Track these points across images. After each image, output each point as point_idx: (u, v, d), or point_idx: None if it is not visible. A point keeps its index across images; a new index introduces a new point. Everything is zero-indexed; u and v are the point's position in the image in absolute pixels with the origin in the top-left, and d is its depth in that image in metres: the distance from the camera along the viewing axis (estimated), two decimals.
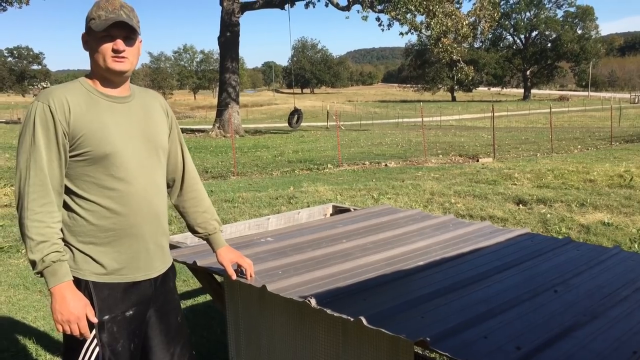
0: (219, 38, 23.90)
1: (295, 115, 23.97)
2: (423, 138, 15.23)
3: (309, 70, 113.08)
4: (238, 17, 23.82)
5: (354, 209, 3.78)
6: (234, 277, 2.22)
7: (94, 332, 1.76)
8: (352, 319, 1.90)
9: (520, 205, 8.08)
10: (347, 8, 24.05)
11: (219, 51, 24.98)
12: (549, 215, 7.30)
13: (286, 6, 24.01)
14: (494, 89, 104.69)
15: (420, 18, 22.22)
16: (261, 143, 20.43)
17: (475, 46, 70.41)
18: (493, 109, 17.26)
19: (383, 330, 1.82)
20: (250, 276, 2.25)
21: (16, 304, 4.44)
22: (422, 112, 16.05)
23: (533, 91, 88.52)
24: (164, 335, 1.96)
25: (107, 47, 1.74)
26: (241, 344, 2.57)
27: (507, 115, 43.88)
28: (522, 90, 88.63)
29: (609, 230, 6.54)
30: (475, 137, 20.94)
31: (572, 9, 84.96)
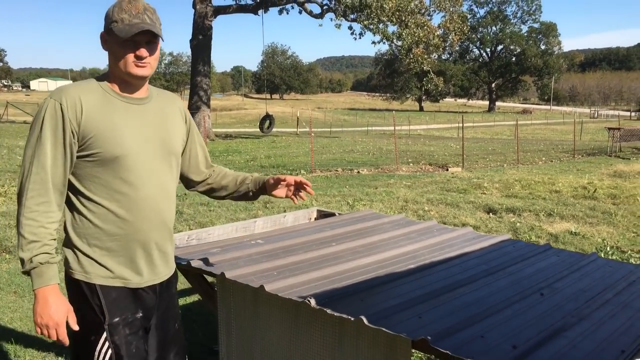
0: (191, 41, 23.73)
1: (267, 121, 23.95)
2: (395, 146, 15.43)
3: (278, 76, 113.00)
4: (211, 21, 23.71)
5: (339, 214, 3.84)
6: (296, 201, 2.17)
7: (104, 334, 1.73)
8: (352, 319, 1.96)
9: (491, 214, 8.28)
10: (320, 16, 24.23)
11: (188, 53, 24.81)
12: (518, 224, 7.51)
13: (260, 12, 24.04)
14: (460, 100, 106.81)
15: (392, 28, 22.59)
16: (233, 147, 20.33)
17: (443, 58, 71.69)
18: (463, 119, 17.63)
19: (383, 329, 1.88)
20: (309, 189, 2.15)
21: None
22: (394, 121, 16.25)
23: (498, 103, 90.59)
24: (160, 340, 1.93)
25: (129, 53, 1.70)
26: (232, 346, 2.59)
27: (473, 126, 44.76)
28: (487, 102, 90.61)
29: (576, 240, 6.77)
30: (444, 147, 21.33)
31: (536, 25, 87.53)
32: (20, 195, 1.66)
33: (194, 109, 23.85)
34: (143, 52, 1.71)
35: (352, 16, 23.31)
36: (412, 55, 21.76)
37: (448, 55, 73.00)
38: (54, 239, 1.68)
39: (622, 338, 1.88)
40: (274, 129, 25.74)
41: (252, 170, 13.94)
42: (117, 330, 1.74)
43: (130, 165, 1.72)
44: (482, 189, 10.64)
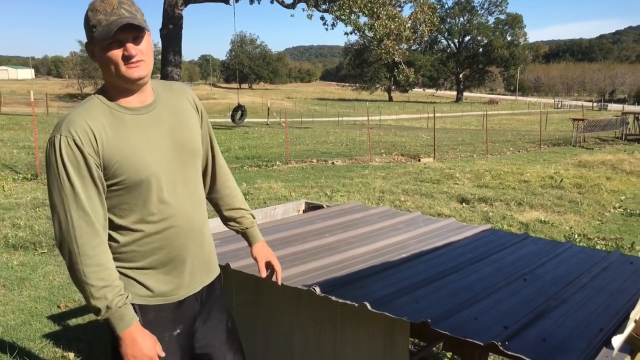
0: (161, 30, 23.39)
1: (239, 111, 23.85)
2: (368, 137, 15.64)
3: (247, 65, 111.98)
4: (181, 10, 23.41)
5: (327, 206, 3.98)
6: (264, 274, 2.10)
7: None
8: (356, 305, 2.11)
9: (464, 203, 8.56)
10: (292, 6, 24.16)
11: (159, 43, 24.48)
12: (490, 213, 7.80)
13: (231, 1, 23.84)
14: (428, 91, 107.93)
15: (364, 19, 22.73)
16: None
17: (412, 48, 72.30)
18: (434, 111, 17.94)
19: (386, 313, 2.04)
20: (279, 279, 2.13)
21: None
22: (368, 112, 16.44)
23: (465, 94, 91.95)
24: (219, 342, 1.89)
25: (116, 55, 1.54)
26: None
27: (441, 116, 45.41)
28: (455, 93, 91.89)
29: (545, 228, 7.08)
30: (415, 138, 21.66)
31: (502, 16, 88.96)
32: (69, 247, 1.54)
33: None
34: (131, 49, 1.54)
35: (324, 7, 23.34)
36: (383, 47, 21.97)
37: (417, 46, 73.58)
38: (119, 277, 1.61)
39: (599, 318, 2.08)
40: (245, 119, 25.66)
41: (227, 162, 13.91)
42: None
43: (157, 184, 1.62)
44: (454, 179, 10.94)
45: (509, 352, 1.76)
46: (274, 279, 2.13)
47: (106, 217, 1.60)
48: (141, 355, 1.58)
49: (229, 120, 26.40)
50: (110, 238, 1.63)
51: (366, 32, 22.97)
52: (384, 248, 2.95)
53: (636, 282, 2.51)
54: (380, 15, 20.87)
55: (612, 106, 62.68)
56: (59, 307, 4.14)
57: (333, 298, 2.18)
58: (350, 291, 2.30)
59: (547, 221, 7.45)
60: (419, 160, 14.53)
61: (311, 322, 2.41)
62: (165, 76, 23.52)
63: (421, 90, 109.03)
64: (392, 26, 20.61)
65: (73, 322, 3.88)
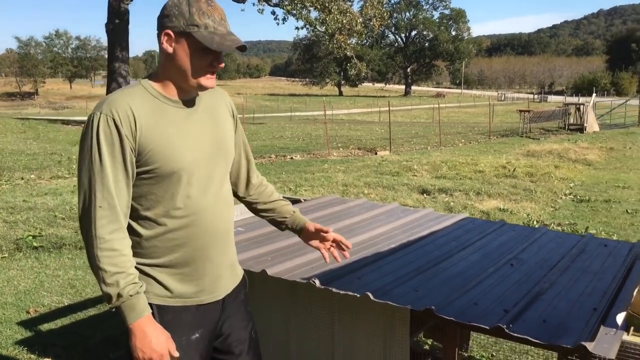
0: (106, 25, 22.69)
1: None
2: (325, 132, 15.71)
3: None
4: (127, 4, 22.77)
5: (304, 200, 3.98)
6: (328, 260, 2.03)
7: None
8: (358, 295, 2.13)
9: (425, 194, 8.73)
10: (242, 0, 23.93)
11: (97, 37, 23.75)
12: (452, 203, 7.99)
13: None
14: (378, 85, 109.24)
15: (315, 14, 22.76)
16: None
17: (361, 43, 72.95)
18: (389, 104, 18.17)
19: (390, 302, 2.07)
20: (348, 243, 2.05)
21: None
22: (325, 108, 16.49)
23: (413, 87, 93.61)
24: (240, 350, 1.81)
25: (204, 63, 1.55)
26: None
27: (392, 110, 46.08)
28: (403, 87, 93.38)
29: (505, 215, 7.32)
30: (369, 131, 21.91)
31: (446, 11, 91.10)
32: (87, 227, 1.50)
33: None
34: (220, 63, 1.58)
35: (274, 1, 23.23)
36: (335, 41, 22.08)
37: (365, 41, 74.38)
38: (134, 266, 1.54)
39: (590, 298, 2.17)
40: None
41: None
42: (171, 355, 1.59)
43: (188, 178, 1.58)
44: (412, 171, 11.14)
45: (515, 334, 1.81)
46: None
47: (129, 205, 1.56)
48: (150, 350, 1.50)
49: None
50: (132, 230, 1.58)
51: (317, 26, 23.00)
52: (371, 239, 2.98)
53: (614, 263, 2.64)
54: (332, 10, 20.95)
55: (552, 98, 65.22)
56: (28, 312, 3.97)
57: (334, 290, 2.19)
58: (348, 282, 2.31)
59: (505, 209, 7.71)
60: (376, 154, 14.71)
61: (308, 313, 2.42)
62: (112, 73, 22.85)
63: (370, 84, 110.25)
64: (344, 21, 20.72)
65: (45, 327, 3.73)
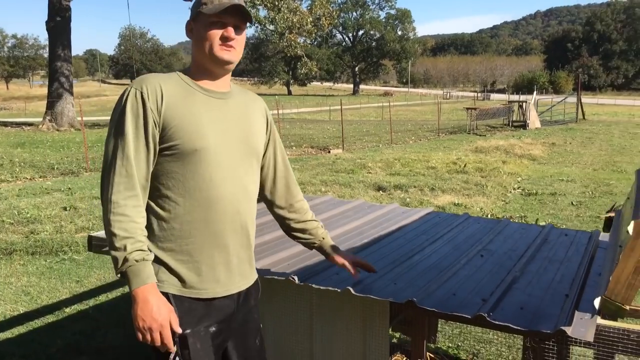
0: (47, 22, 21.81)
1: None
2: (279, 130, 15.61)
3: (138, 60, 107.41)
4: (69, 1, 21.97)
5: None
6: (358, 276, 2.14)
7: (175, 348, 1.57)
8: (339, 290, 2.13)
9: (381, 191, 8.85)
10: None
11: (34, 36, 22.86)
12: (408, 199, 8.13)
13: None
14: (326, 84, 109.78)
15: (264, 12, 22.63)
16: (105, 137, 19.20)
17: (308, 42, 73.14)
18: (341, 103, 18.29)
19: (371, 296, 2.08)
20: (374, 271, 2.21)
21: None
22: (278, 106, 16.42)
23: (361, 86, 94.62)
24: (240, 356, 1.81)
25: (216, 34, 1.61)
26: None
27: (342, 109, 46.38)
28: (352, 86, 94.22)
29: (460, 210, 7.51)
30: (321, 130, 21.98)
31: (392, 11, 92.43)
32: (105, 191, 1.54)
33: (54, 96, 22.07)
34: (231, 31, 1.62)
35: None
36: (285, 40, 22.03)
37: (313, 40, 74.60)
38: (146, 235, 1.56)
39: (560, 285, 2.26)
40: None
41: None
42: (188, 343, 1.59)
43: (210, 160, 1.60)
44: (367, 168, 11.26)
45: (497, 322, 1.86)
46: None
47: (148, 178, 1.58)
48: (150, 319, 1.48)
49: None
50: (152, 210, 1.61)
51: (267, 25, 22.88)
52: (343, 235, 2.99)
53: (577, 251, 2.75)
54: (282, 9, 20.89)
55: (495, 96, 67.42)
56: None
57: (314, 286, 2.18)
58: (327, 278, 2.31)
59: (460, 204, 7.90)
60: (329, 152, 14.78)
61: (284, 308, 2.40)
62: (54, 72, 22.00)
63: (319, 83, 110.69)
64: (294, 19, 20.70)
65: (1, 336, 3.55)
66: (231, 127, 1.68)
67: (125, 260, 1.48)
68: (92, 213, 7.08)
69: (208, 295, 1.65)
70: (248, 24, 1.74)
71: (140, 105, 1.55)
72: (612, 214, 4.80)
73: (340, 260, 2.09)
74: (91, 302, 4.22)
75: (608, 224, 4.02)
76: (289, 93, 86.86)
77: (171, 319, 1.53)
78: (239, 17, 1.64)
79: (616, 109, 41.61)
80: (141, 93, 1.56)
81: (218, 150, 1.62)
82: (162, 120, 1.56)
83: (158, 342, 1.50)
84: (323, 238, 2.08)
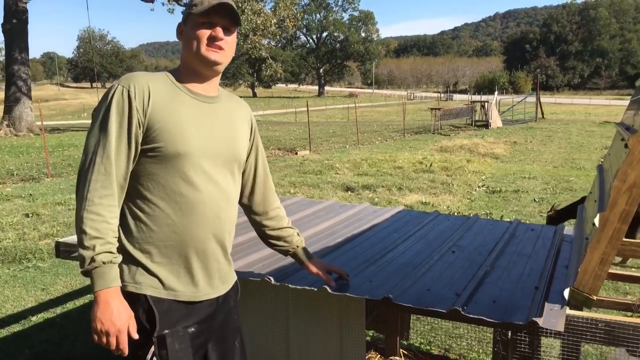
0: (3, 25, 21.16)
1: None
2: None
3: (98, 63, 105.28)
4: (25, 3, 21.37)
5: None
6: (332, 284, 2.13)
7: (152, 349, 1.57)
8: (316, 289, 2.14)
9: (350, 191, 8.90)
10: (151, 0, 23.18)
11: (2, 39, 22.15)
12: (376, 199, 8.20)
13: None
14: (291, 86, 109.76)
15: None
16: (66, 142, 18.73)
17: (272, 44, 72.99)
18: (307, 104, 18.30)
19: (348, 294, 2.10)
20: (347, 276, 2.24)
21: None
22: None
23: (326, 88, 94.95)
24: (220, 358, 1.80)
25: (204, 33, 1.60)
26: None
27: (308, 110, 46.43)
28: (317, 87, 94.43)
29: (427, 208, 7.62)
30: (287, 132, 21.97)
31: (356, 13, 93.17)
32: (81, 188, 1.51)
33: (12, 100, 21.43)
34: (219, 31, 1.60)
35: (185, 1, 22.67)
36: (250, 42, 21.93)
37: (277, 42, 74.49)
38: (116, 237, 1.53)
39: (530, 278, 2.32)
40: None
41: None
42: (166, 344, 1.58)
43: (193, 165, 1.58)
44: (335, 169, 11.30)
45: (471, 316, 1.90)
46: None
47: (127, 178, 1.56)
48: (109, 322, 1.46)
49: (88, 121, 24.69)
50: (132, 212, 1.58)
51: None
52: (315, 235, 3.01)
53: (544, 245, 2.83)
54: (245, 10, 20.79)
55: (457, 96, 68.67)
56: None
57: (290, 286, 2.19)
58: (302, 277, 2.31)
59: (427, 202, 8.02)
60: (297, 154, 14.78)
61: (260, 309, 2.40)
62: (11, 75, 21.36)
63: (284, 85, 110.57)
64: (258, 21, 20.63)
65: None
66: (216, 132, 1.66)
67: (93, 260, 1.46)
68: (55, 219, 6.90)
69: (187, 299, 1.64)
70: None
71: (126, 104, 1.52)
72: (552, 213, 5.33)
73: (314, 269, 2.12)
74: (58, 310, 4.12)
75: (550, 222, 4.48)
76: (254, 95, 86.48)
77: (130, 325, 1.51)
78: (227, 18, 1.63)
79: (573, 108, 42.92)
80: (128, 91, 1.53)
81: (201, 155, 1.60)
82: (147, 120, 1.54)
83: (113, 347, 1.49)
84: (297, 246, 2.09)
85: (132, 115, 1.52)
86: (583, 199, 5.75)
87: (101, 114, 1.54)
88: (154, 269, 1.59)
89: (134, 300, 1.56)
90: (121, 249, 1.57)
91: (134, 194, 1.58)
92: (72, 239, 3.13)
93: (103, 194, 1.50)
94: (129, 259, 1.58)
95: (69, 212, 7.31)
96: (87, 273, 1.48)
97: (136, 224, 1.58)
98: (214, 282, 1.71)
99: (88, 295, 4.36)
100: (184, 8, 1.67)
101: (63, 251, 2.85)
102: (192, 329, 1.65)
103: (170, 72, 1.68)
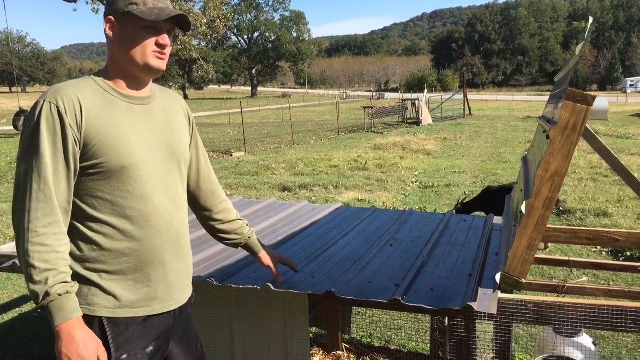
0: None
1: (21, 117, 21.25)
2: None
3: (17, 66, 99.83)
4: None
5: None
6: (281, 278, 2.13)
7: None
8: (259, 287, 2.15)
9: (287, 191, 8.93)
10: (74, 0, 22.23)
11: None
12: (314, 198, 8.27)
13: None
14: (224, 87, 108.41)
15: None
16: None
17: (203, 45, 71.80)
18: (241, 106, 18.15)
19: (292, 290, 2.13)
20: (296, 269, 2.24)
21: None
22: None
23: (259, 89, 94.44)
24: None
25: (151, 41, 1.50)
26: None
27: (241, 112, 45.97)
28: (249, 88, 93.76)
29: (364, 205, 7.74)
30: (221, 133, 21.71)
31: (287, 13, 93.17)
32: (20, 219, 1.40)
33: None
34: (166, 39, 1.52)
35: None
36: (180, 42, 21.48)
37: (208, 43, 73.33)
38: (68, 265, 1.43)
39: (464, 266, 2.43)
40: None
41: None
42: None
43: (139, 176, 1.50)
44: (271, 170, 11.29)
45: (411, 304, 1.98)
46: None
47: (70, 200, 1.46)
48: (76, 356, 1.39)
49: (11, 127, 23.42)
50: (80, 233, 1.49)
51: None
52: (257, 234, 3.00)
53: (476, 235, 2.97)
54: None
55: (389, 95, 70.14)
56: None
57: (233, 286, 2.19)
58: (245, 277, 2.32)
59: (363, 199, 8.17)
60: (232, 155, 14.64)
61: (205, 310, 2.39)
62: None
63: (216, 86, 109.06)
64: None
65: None
66: (156, 135, 1.58)
67: (47, 294, 1.37)
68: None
69: (145, 313, 1.57)
70: None
71: (57, 121, 1.40)
72: (459, 206, 6.13)
73: (265, 261, 2.11)
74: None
75: (458, 211, 5.31)
76: (186, 97, 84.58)
77: (99, 354, 1.45)
78: (173, 23, 1.55)
79: (498, 104, 44.86)
80: (57, 107, 1.41)
81: (146, 163, 1.53)
82: (83, 137, 1.43)
83: None
84: (249, 237, 2.06)
85: (65, 132, 1.41)
86: (485, 193, 6.11)
87: (29, 136, 1.41)
88: (109, 286, 1.51)
89: (90, 323, 1.48)
90: (72, 272, 1.47)
91: (80, 215, 1.49)
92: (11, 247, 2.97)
93: (47, 223, 1.40)
94: (81, 280, 1.49)
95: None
96: (43, 308, 1.39)
97: (87, 245, 1.50)
98: (173, 292, 1.64)
99: (17, 309, 4.16)
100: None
101: None
102: (151, 348, 1.59)
103: (97, 74, 1.56)
